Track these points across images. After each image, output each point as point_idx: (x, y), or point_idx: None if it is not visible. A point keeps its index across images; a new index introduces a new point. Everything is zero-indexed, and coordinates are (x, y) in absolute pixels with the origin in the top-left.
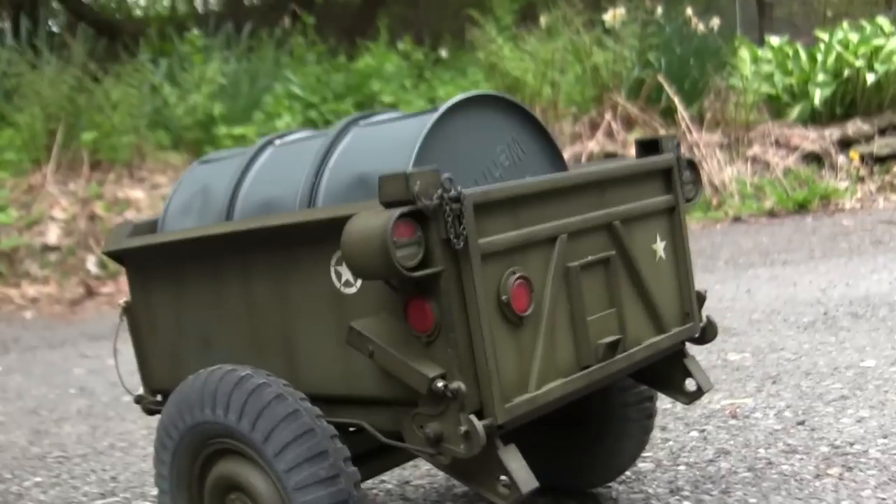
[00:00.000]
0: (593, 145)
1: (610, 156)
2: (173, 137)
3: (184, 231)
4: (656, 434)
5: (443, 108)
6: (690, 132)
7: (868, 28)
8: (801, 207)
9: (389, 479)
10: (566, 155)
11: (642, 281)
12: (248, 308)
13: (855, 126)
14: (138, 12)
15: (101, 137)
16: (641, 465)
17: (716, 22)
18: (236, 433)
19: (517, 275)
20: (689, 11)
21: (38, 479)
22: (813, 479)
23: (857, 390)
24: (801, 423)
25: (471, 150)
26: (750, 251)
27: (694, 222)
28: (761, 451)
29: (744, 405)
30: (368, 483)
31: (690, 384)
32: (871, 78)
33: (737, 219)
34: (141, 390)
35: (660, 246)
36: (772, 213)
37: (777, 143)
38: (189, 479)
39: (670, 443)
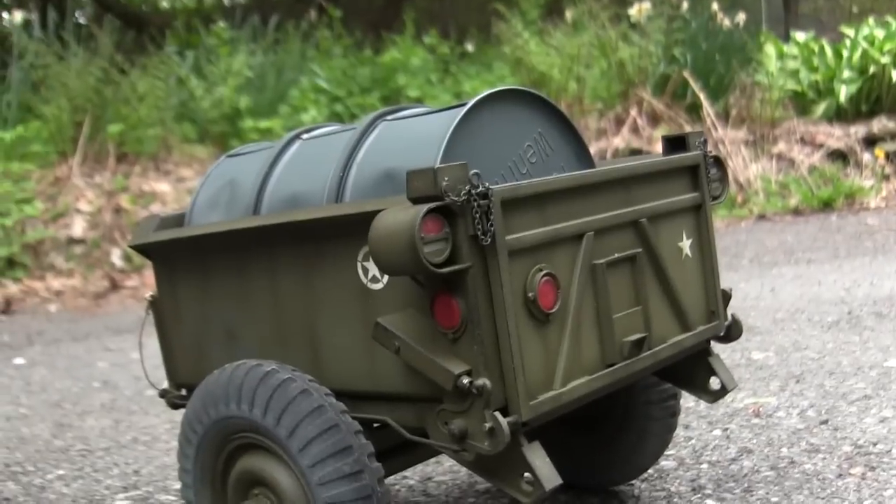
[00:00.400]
0: (619, 141)
1: (636, 152)
2: (199, 130)
3: (211, 225)
4: (679, 432)
5: (470, 103)
6: (716, 128)
7: (894, 24)
8: (826, 205)
9: (412, 475)
10: (591, 151)
11: (668, 279)
12: (274, 303)
13: (880, 123)
14: (165, 4)
15: (128, 130)
16: (664, 463)
17: (741, 17)
18: (261, 428)
19: (544, 272)
20: (714, 6)
21: (61, 471)
22: (835, 478)
23: (881, 390)
24: (825, 422)
25: (498, 145)
26: (774, 249)
27: (718, 220)
28: (784, 450)
29: (767, 404)
30: (391, 479)
31: (714, 383)
32: None
33: (761, 216)
34: (165, 384)
35: (686, 244)
36: (796, 211)
37: (802, 141)
38: (213, 474)
39: (693, 441)
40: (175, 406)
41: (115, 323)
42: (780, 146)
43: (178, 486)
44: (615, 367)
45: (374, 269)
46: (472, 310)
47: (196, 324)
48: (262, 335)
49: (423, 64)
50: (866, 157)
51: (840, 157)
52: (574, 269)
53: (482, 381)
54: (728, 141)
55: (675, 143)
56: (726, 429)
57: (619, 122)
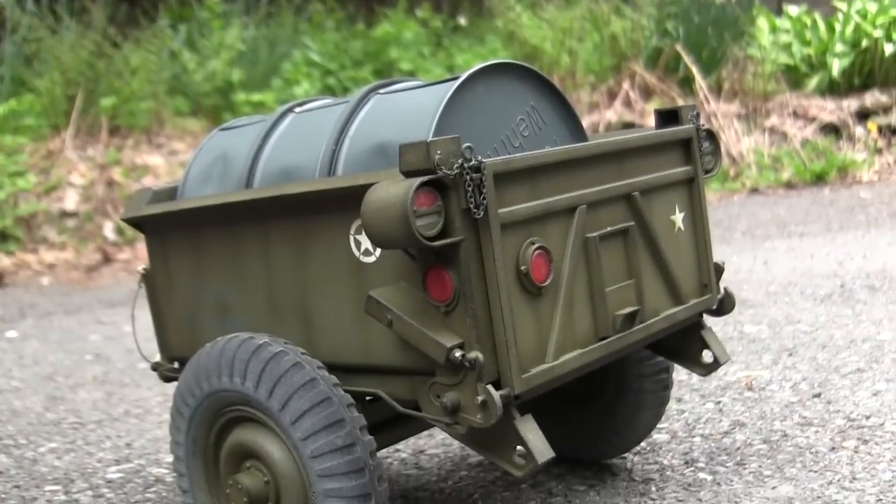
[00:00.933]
0: (611, 114)
1: (628, 125)
2: (192, 104)
3: (203, 198)
4: (672, 405)
5: (463, 77)
6: (708, 102)
7: None
8: (819, 179)
9: (404, 448)
10: (584, 125)
11: (661, 252)
12: (266, 276)
13: (873, 97)
14: None
15: (120, 103)
16: (657, 436)
17: None
18: (253, 401)
19: (536, 245)
20: None
21: (54, 444)
22: (828, 451)
23: (874, 363)
24: (817, 395)
25: (490, 118)
26: (767, 223)
27: (711, 193)
28: (777, 423)
29: (760, 377)
30: (383, 452)
31: (707, 356)
32: (889, 49)
33: (754, 190)
34: (158, 357)
35: (678, 217)
36: (789, 185)
37: (795, 114)
38: (205, 447)
39: (686, 414)
40: (167, 379)
41: (108, 296)
42: (773, 120)
43: (170, 458)
44: (608, 340)
45: (366, 243)
46: (465, 283)
47: (188, 297)
48: (254, 308)
49: (415, 37)
50: (859, 130)
51: (832, 130)
52: (567, 243)
53: (474, 354)
54: (720, 114)
55: (667, 117)
56: (719, 402)
57: (612, 96)
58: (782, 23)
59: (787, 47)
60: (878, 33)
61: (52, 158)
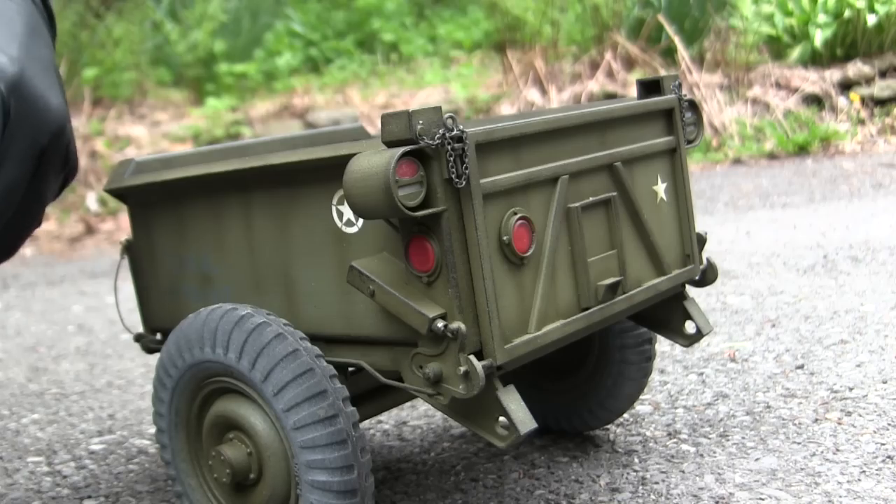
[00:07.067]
0: (594, 85)
1: (610, 96)
2: (174, 74)
3: (186, 169)
4: (655, 377)
5: None
6: (690, 73)
7: None
8: (802, 149)
9: (387, 419)
10: (566, 95)
11: (643, 222)
12: (249, 246)
13: (855, 68)
14: None
15: (103, 74)
16: (639, 407)
17: None
18: (236, 372)
19: (518, 215)
20: None
21: (36, 415)
22: (812, 423)
23: (857, 335)
24: (800, 367)
25: None
26: (750, 193)
27: (694, 164)
28: (760, 394)
29: (742, 348)
30: (366, 423)
31: (690, 327)
32: (871, 19)
33: (737, 161)
34: (140, 328)
35: (661, 188)
36: (772, 156)
37: (777, 85)
38: (187, 418)
39: (669, 386)
40: (150, 350)
41: (91, 267)
42: (755, 90)
43: (152, 430)
44: (590, 310)
45: (348, 213)
46: (447, 253)
47: (171, 267)
48: (237, 279)
49: (397, 8)
50: (841, 101)
51: (815, 101)
52: (549, 213)
53: (457, 324)
54: (703, 85)
55: (649, 87)
56: (702, 373)
57: (594, 67)
58: None
59: (769, 17)
60: (860, 3)
61: None
